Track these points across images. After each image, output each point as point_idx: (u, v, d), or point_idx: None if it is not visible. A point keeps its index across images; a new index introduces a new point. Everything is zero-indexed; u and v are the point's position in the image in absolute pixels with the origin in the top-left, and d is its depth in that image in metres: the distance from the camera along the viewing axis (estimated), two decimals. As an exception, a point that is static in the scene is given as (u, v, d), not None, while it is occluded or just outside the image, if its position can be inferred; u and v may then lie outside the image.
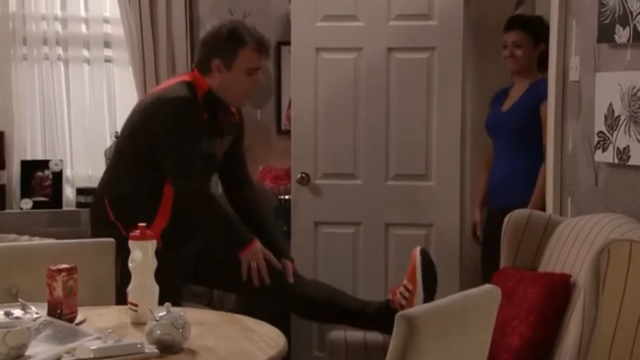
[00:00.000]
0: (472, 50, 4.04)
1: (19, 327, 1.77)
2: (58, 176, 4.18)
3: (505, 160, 3.63)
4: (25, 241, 3.59)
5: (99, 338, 1.84)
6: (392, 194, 4.04)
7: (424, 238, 4.00)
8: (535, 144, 3.53)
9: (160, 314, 1.90)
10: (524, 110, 3.57)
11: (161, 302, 2.33)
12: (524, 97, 3.62)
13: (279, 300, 3.03)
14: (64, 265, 2.07)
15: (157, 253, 2.70)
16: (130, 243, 2.18)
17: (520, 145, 3.57)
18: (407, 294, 2.95)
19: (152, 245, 2.18)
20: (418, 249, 3.04)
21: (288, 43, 4.12)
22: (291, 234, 4.04)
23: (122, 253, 2.79)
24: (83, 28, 4.29)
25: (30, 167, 4.16)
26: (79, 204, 4.13)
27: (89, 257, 2.52)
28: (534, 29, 3.62)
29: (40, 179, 4.16)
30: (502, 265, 2.96)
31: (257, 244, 2.90)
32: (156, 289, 2.20)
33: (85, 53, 4.29)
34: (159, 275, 2.66)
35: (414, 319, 1.69)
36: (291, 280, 3.00)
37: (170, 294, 2.66)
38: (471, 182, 4.02)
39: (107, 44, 4.33)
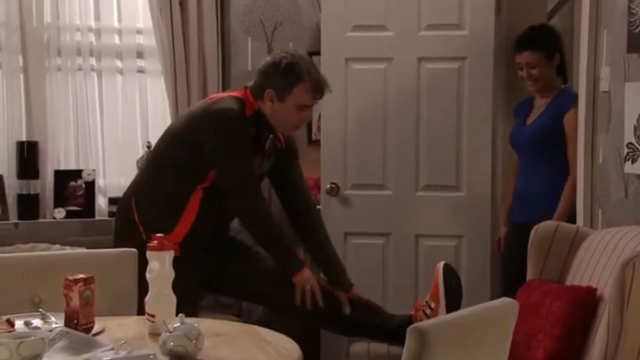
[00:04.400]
0: (503, 60, 4.00)
1: (33, 338, 1.79)
2: (91, 186, 4.23)
3: (530, 174, 3.55)
4: (56, 250, 3.64)
5: (112, 349, 1.84)
6: (422, 205, 4.01)
7: (454, 250, 3.96)
8: (560, 157, 3.44)
9: (174, 325, 1.91)
10: (548, 123, 3.48)
11: (179, 311, 2.36)
12: (548, 109, 3.53)
13: (304, 318, 3.03)
14: (81, 275, 2.09)
15: (176, 260, 2.75)
16: (148, 253, 2.19)
17: (544, 158, 3.49)
18: (429, 311, 2.92)
19: (169, 255, 2.19)
20: (441, 265, 3.00)
21: (319, 53, 4.12)
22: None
23: (143, 256, 2.83)
24: (116, 39, 4.35)
25: (64, 177, 4.21)
26: (111, 214, 4.16)
27: (111, 266, 2.54)
28: (546, 45, 3.51)
29: (73, 188, 4.22)
30: (528, 277, 2.92)
31: (307, 270, 2.91)
32: (173, 299, 2.20)
33: (118, 64, 4.34)
34: (175, 284, 2.70)
35: (425, 333, 1.67)
36: (347, 311, 2.95)
37: (186, 303, 2.67)
38: (502, 193, 3.97)
39: (139, 55, 4.38)
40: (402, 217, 4.03)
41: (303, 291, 2.87)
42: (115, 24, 4.36)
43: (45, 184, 4.20)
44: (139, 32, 4.38)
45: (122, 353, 1.79)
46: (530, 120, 3.61)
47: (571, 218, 3.34)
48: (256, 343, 2.08)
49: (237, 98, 2.88)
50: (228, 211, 2.96)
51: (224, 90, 4.33)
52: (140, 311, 2.48)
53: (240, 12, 4.38)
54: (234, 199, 2.82)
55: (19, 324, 2.13)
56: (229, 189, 2.82)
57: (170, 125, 3.01)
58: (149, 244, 2.20)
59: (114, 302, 2.46)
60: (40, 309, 2.20)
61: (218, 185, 2.85)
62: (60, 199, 4.20)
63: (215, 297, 3.76)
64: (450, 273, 2.97)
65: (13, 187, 4.15)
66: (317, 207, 3.39)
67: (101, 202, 4.30)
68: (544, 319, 2.68)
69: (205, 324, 2.20)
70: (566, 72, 3.62)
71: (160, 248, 2.17)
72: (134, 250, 2.52)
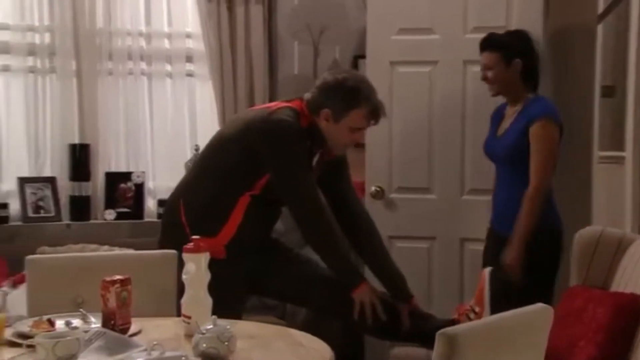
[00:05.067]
0: (552, 62, 3.94)
1: (68, 338, 1.83)
2: (140, 188, 4.31)
3: (504, 187, 3.40)
4: (104, 251, 3.72)
5: (145, 350, 1.88)
6: (468, 209, 3.98)
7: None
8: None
9: (207, 327, 1.94)
10: (518, 139, 3.28)
11: (223, 312, 2.38)
12: (517, 121, 3.35)
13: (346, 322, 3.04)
14: (118, 277, 2.14)
15: (221, 262, 2.78)
16: (184, 256, 2.23)
17: (521, 170, 3.28)
18: (472, 316, 2.90)
19: (205, 258, 2.22)
20: (487, 270, 2.98)
21: (364, 56, 4.12)
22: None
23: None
24: (166, 43, 4.43)
25: (114, 179, 4.30)
26: (159, 215, 4.22)
27: (152, 267, 2.58)
28: (504, 48, 3.37)
29: (123, 190, 4.30)
30: (571, 283, 2.88)
31: (368, 285, 2.92)
32: (209, 301, 2.23)
33: (168, 67, 4.42)
34: (219, 285, 2.73)
35: (454, 338, 1.67)
36: (406, 325, 2.96)
37: (230, 304, 2.72)
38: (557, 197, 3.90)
39: (188, 59, 4.45)
40: (447, 221, 4.00)
41: (362, 306, 2.87)
42: (165, 28, 4.43)
43: (97, 186, 4.30)
44: (188, 36, 4.45)
45: (155, 354, 1.82)
46: (501, 130, 3.46)
47: (549, 237, 3.23)
48: (290, 346, 2.10)
49: (293, 109, 2.89)
50: (274, 215, 2.99)
51: (270, 94, 4.39)
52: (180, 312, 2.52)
53: (287, 16, 4.41)
54: (295, 210, 2.84)
55: (59, 323, 2.18)
56: (290, 201, 2.84)
57: (223, 130, 3.04)
58: (184, 247, 2.24)
59: (155, 303, 2.50)
60: (81, 309, 2.25)
61: (267, 193, 2.87)
62: (110, 201, 4.29)
63: (259, 299, 3.79)
64: (497, 278, 2.94)
65: (65, 188, 4.26)
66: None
67: (150, 204, 4.37)
68: (586, 325, 2.64)
69: (241, 326, 2.22)
70: (537, 80, 3.45)
71: (196, 250, 2.20)
72: (174, 251, 2.56)
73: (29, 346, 1.93)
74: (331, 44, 4.41)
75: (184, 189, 2.98)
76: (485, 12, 3.93)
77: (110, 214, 4.26)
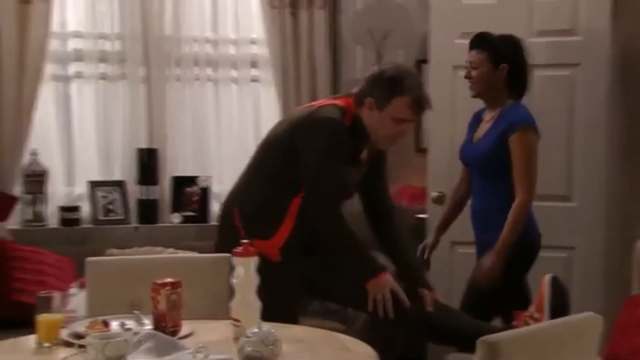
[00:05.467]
0: (620, 67, 3.84)
1: (117, 339, 1.88)
2: (206, 192, 4.38)
3: (485, 193, 3.30)
4: (168, 254, 3.80)
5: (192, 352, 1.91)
6: (535, 215, 3.90)
7: (564, 261, 3.83)
8: (508, 181, 3.18)
9: (253, 330, 1.96)
10: (495, 146, 3.20)
11: (279, 315, 2.41)
12: (494, 127, 3.26)
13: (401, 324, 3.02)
14: (169, 280, 2.18)
15: (275, 265, 2.81)
16: (234, 259, 2.26)
17: (497, 178, 3.21)
18: (531, 322, 2.85)
19: (254, 262, 2.24)
20: (548, 277, 2.93)
21: (428, 61, 4.10)
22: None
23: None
24: (232, 49, 4.49)
25: (181, 183, 4.39)
26: (223, 219, 4.29)
27: (206, 271, 2.63)
28: (493, 49, 3.28)
29: (189, 194, 4.39)
30: (633, 292, 2.80)
31: (387, 277, 2.87)
32: (258, 304, 2.26)
33: (234, 73, 4.49)
34: (275, 288, 2.75)
35: (495, 345, 1.65)
36: (429, 309, 2.94)
37: (286, 307, 2.74)
38: (617, 204, 3.82)
39: (253, 64, 4.52)
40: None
41: (375, 299, 2.85)
42: (232, 34, 4.50)
43: (164, 190, 4.39)
44: (253, 42, 4.52)
45: (199, 356, 1.85)
46: (477, 136, 3.37)
47: (525, 249, 3.20)
48: (336, 351, 2.10)
49: (338, 106, 2.89)
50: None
51: (334, 98, 4.40)
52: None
53: (350, 21, 4.43)
54: (315, 202, 2.83)
55: (114, 325, 2.24)
56: (313, 194, 2.83)
57: (270, 132, 3.06)
58: (234, 250, 2.27)
59: (209, 306, 2.54)
60: (136, 311, 2.31)
61: None
62: (177, 204, 4.38)
63: (322, 303, 3.80)
64: (557, 286, 2.89)
65: (134, 192, 4.37)
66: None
67: (215, 208, 4.42)
68: (648, 336, 2.57)
69: (290, 330, 2.24)
70: (523, 89, 3.36)
71: (245, 254, 2.23)
72: (227, 255, 2.59)
73: (81, 346, 1.99)
74: (394, 49, 4.40)
75: (237, 193, 3.02)
76: (551, 15, 3.86)
77: (176, 218, 4.35)
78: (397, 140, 2.96)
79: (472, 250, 3.98)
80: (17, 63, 4.08)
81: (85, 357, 1.91)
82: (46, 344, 2.13)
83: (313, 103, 3.09)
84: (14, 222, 4.24)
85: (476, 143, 3.33)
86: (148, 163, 4.35)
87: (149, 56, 4.37)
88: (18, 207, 4.23)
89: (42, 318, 2.14)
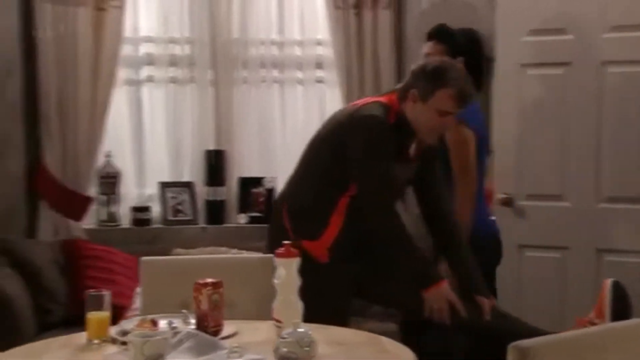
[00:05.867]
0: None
1: (157, 338, 1.92)
2: (271, 193, 4.42)
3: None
4: (233, 254, 3.85)
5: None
6: (605, 218, 3.78)
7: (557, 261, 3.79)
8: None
9: (289, 331, 1.96)
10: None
11: (326, 316, 2.42)
12: None
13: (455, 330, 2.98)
14: (210, 280, 2.21)
15: (324, 266, 2.80)
16: (275, 260, 2.27)
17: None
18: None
19: (295, 263, 2.25)
20: (609, 282, 2.83)
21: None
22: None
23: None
24: (297, 51, 4.52)
25: (247, 184, 4.44)
26: (289, 220, 4.31)
27: (255, 271, 2.65)
28: (451, 42, 3.27)
29: (255, 195, 4.43)
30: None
31: (444, 286, 2.84)
32: (299, 305, 2.26)
33: (299, 75, 4.51)
34: (323, 289, 2.75)
35: (527, 350, 1.61)
36: (487, 318, 2.90)
37: (335, 308, 2.74)
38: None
39: (319, 66, 4.53)
40: (582, 230, 3.82)
41: (432, 307, 2.83)
42: (297, 36, 4.52)
43: (231, 191, 4.45)
44: (319, 43, 4.53)
45: (234, 356, 1.87)
46: None
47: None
48: (375, 353, 2.09)
49: (381, 104, 2.88)
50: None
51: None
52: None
53: (416, 20, 4.38)
54: (367, 202, 2.81)
55: (162, 323, 2.28)
56: (364, 193, 2.82)
57: (317, 131, 3.06)
58: (276, 251, 2.28)
59: (257, 306, 2.55)
60: (184, 311, 2.34)
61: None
62: (244, 205, 4.43)
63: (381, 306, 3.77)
64: (619, 290, 2.79)
65: (202, 193, 4.44)
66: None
67: (282, 209, 4.46)
68: None
69: (331, 332, 2.23)
70: (479, 84, 3.36)
71: (286, 255, 2.24)
72: (271, 256, 2.61)
73: (124, 344, 2.04)
74: (462, 48, 4.33)
75: (286, 193, 3.03)
76: (626, 9, 3.72)
77: (243, 218, 4.40)
78: (441, 133, 2.93)
79: (541, 253, 3.91)
80: (92, 68, 4.20)
81: (127, 354, 1.95)
82: (95, 341, 2.19)
83: (357, 101, 3.09)
84: (89, 222, 4.38)
85: None
86: (215, 164, 4.42)
87: (217, 59, 4.44)
88: (93, 208, 4.37)
89: (92, 316, 2.19)
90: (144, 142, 4.50)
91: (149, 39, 4.47)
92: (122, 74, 4.41)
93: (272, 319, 2.25)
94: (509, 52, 3.91)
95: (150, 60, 4.47)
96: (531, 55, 3.90)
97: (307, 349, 1.92)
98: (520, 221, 3.93)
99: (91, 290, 2.28)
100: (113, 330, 2.23)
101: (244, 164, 4.47)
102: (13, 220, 4.22)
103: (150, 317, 2.30)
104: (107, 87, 4.24)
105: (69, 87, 4.17)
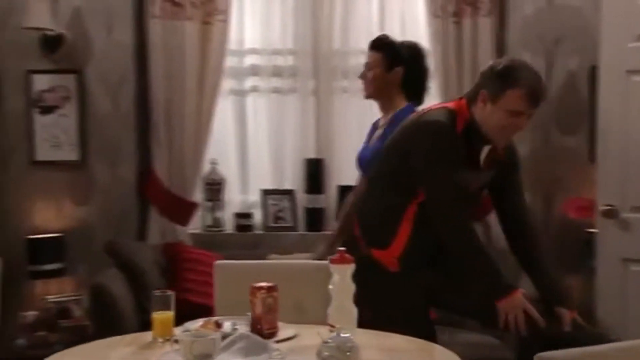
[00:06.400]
0: None
1: (205, 338, 1.99)
2: (370, 201, 4.43)
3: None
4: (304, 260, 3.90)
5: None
6: None
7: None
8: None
9: (332, 336, 1.99)
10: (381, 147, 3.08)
11: (401, 325, 2.44)
12: (386, 131, 3.21)
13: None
14: (264, 284, 2.26)
15: (395, 275, 2.80)
16: (330, 267, 2.30)
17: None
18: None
19: (349, 269, 2.27)
20: None
21: (603, 67, 3.89)
22: (596, 270, 3.79)
23: (362, 270, 2.91)
24: (398, 60, 4.52)
25: (346, 192, 4.46)
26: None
27: (326, 276, 2.67)
28: (389, 51, 3.23)
29: (354, 202, 4.46)
30: None
31: (518, 295, 2.76)
32: (354, 311, 2.28)
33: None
34: (395, 298, 2.74)
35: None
36: (567, 329, 2.81)
37: (411, 317, 2.73)
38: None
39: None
40: (692, 245, 3.63)
41: (507, 318, 2.75)
42: (398, 45, 4.53)
43: (330, 199, 4.51)
44: (421, 52, 4.50)
45: (276, 358, 1.91)
46: (373, 140, 3.33)
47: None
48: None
49: (448, 109, 2.83)
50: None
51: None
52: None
53: (518, 28, 4.30)
54: (435, 210, 2.76)
55: (227, 325, 2.35)
56: (431, 200, 2.77)
57: (389, 138, 3.05)
58: (331, 258, 2.31)
59: (322, 311, 2.57)
60: (249, 314, 2.41)
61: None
62: (342, 213, 4.47)
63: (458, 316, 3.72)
64: None
65: (302, 200, 4.53)
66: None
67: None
68: None
69: (386, 339, 2.23)
70: (421, 95, 3.31)
71: (340, 262, 2.27)
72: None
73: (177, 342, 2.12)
74: (567, 55, 4.22)
75: (359, 200, 3.04)
76: None
77: (340, 226, 4.43)
78: (513, 135, 2.83)
79: None
80: (198, 79, 4.38)
81: (179, 353, 2.03)
82: (160, 340, 2.29)
83: (425, 107, 3.07)
84: (195, 226, 4.56)
85: (370, 146, 3.33)
86: (315, 172, 4.49)
87: (319, 70, 4.53)
88: (199, 213, 4.54)
89: (157, 315, 2.30)
90: (247, 150, 4.64)
91: (253, 51, 4.61)
92: (228, 84, 4.57)
93: (327, 324, 2.27)
94: (614, 58, 3.76)
95: (254, 71, 4.61)
96: (637, 62, 3.73)
97: (348, 354, 1.94)
98: (624, 234, 3.76)
99: (157, 291, 2.38)
100: (178, 330, 2.32)
101: (343, 172, 4.51)
102: (125, 223, 4.47)
103: (215, 318, 2.38)
104: (212, 97, 4.40)
105: (177, 97, 4.37)
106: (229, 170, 4.60)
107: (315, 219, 4.50)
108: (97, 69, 4.42)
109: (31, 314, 4.23)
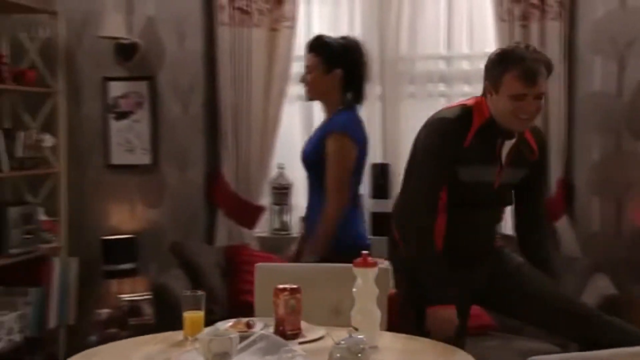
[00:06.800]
0: None
1: (223, 337, 2.03)
2: (435, 206, 4.40)
3: (310, 193, 3.34)
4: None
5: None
6: None
7: None
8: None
9: (344, 338, 2.00)
10: (315, 146, 3.24)
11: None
12: (319, 130, 3.31)
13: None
14: (288, 286, 2.29)
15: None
16: (353, 270, 2.30)
17: (314, 180, 3.27)
18: None
19: (372, 272, 2.27)
20: None
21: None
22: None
23: (401, 274, 2.91)
24: (465, 65, 4.48)
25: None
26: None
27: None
28: (327, 53, 3.19)
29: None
30: None
31: (443, 312, 2.70)
32: (377, 314, 2.28)
33: (466, 88, 4.46)
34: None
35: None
36: None
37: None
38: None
39: (486, 79, 4.45)
40: None
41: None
42: (466, 50, 4.49)
43: (395, 204, 4.49)
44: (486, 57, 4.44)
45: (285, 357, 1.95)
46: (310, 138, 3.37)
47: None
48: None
49: (463, 106, 2.82)
50: (486, 221, 2.90)
51: (569, 113, 4.20)
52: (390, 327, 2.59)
53: (588, 30, 4.17)
54: (407, 199, 2.84)
55: (258, 326, 2.39)
56: (407, 189, 2.85)
57: None
58: (354, 261, 2.32)
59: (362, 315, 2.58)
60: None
61: (459, 197, 2.81)
62: (407, 218, 4.45)
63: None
64: None
65: (368, 205, 4.52)
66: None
67: (444, 222, 4.43)
68: None
69: (410, 342, 2.22)
70: (360, 94, 3.29)
71: (363, 265, 2.28)
72: (383, 267, 2.63)
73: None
74: (639, 57, 4.07)
75: (394, 206, 3.03)
76: None
77: (404, 231, 4.42)
78: (529, 120, 2.75)
79: None
80: (264, 85, 4.46)
81: (199, 352, 2.09)
82: (190, 338, 2.35)
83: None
84: (264, 230, 4.64)
85: (305, 143, 3.35)
86: (381, 177, 4.49)
87: (385, 75, 4.52)
88: (267, 217, 4.62)
89: (187, 315, 2.36)
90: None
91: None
92: (296, 90, 4.63)
93: (349, 326, 2.29)
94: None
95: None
96: None
97: (359, 355, 1.95)
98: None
99: (187, 291, 2.45)
100: (207, 330, 2.37)
101: (407, 177, 4.49)
102: (194, 225, 4.59)
103: (246, 319, 2.43)
104: (278, 103, 4.47)
105: (244, 103, 4.46)
106: (296, 175, 4.65)
107: (381, 223, 4.48)
108: (169, 75, 4.57)
109: (105, 312, 4.40)
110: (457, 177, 2.77)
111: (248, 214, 4.53)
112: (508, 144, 2.79)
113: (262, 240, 4.57)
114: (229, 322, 2.43)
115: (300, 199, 4.66)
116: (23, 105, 4.52)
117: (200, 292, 2.40)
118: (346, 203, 3.20)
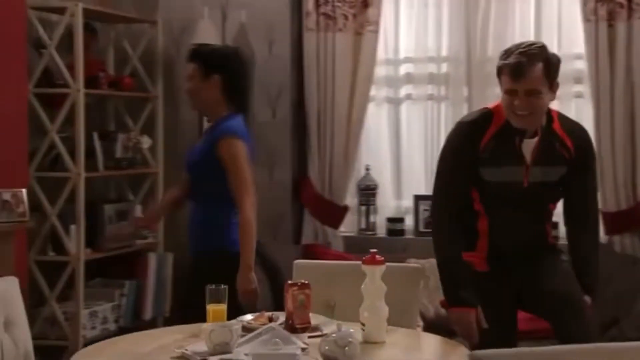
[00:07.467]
0: None
1: (223, 328, 2.14)
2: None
3: (195, 202, 3.29)
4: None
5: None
6: None
7: None
8: (219, 191, 3.14)
9: (335, 331, 2.06)
10: (203, 155, 3.21)
11: (494, 325, 2.56)
12: (205, 139, 3.31)
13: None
14: (299, 281, 2.37)
15: (486, 275, 2.82)
16: (362, 267, 2.35)
17: (201, 189, 3.23)
18: None
19: (379, 270, 2.31)
20: None
21: None
22: None
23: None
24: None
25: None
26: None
27: (400, 279, 2.71)
28: (203, 60, 3.20)
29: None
30: None
31: (460, 314, 2.71)
32: (385, 310, 2.32)
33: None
34: (486, 299, 2.76)
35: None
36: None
37: (499, 318, 2.76)
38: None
39: (577, 80, 4.35)
40: None
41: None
42: (555, 50, 4.35)
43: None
44: (578, 57, 4.33)
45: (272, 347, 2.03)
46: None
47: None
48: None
49: (485, 109, 2.88)
50: (529, 219, 2.85)
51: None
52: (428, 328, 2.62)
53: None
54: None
55: (281, 319, 2.48)
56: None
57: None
58: (363, 259, 2.36)
59: (397, 313, 2.60)
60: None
61: (492, 197, 2.80)
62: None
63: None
64: None
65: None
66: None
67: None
68: None
69: (417, 339, 2.27)
70: (244, 100, 3.28)
71: (371, 262, 2.32)
72: (417, 266, 2.66)
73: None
74: None
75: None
76: None
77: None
78: (526, 117, 2.72)
79: None
80: (349, 87, 4.56)
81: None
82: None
83: None
84: (351, 230, 4.73)
85: (192, 150, 3.29)
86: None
87: (472, 77, 4.51)
88: (354, 217, 4.71)
89: (211, 307, 2.48)
90: (401, 156, 4.73)
91: (408, 60, 4.70)
92: (383, 92, 4.69)
93: (358, 321, 2.34)
94: None
95: (409, 79, 4.70)
96: None
97: (346, 348, 2.00)
98: None
99: (212, 285, 2.55)
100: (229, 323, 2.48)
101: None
102: (282, 225, 4.73)
103: (269, 313, 2.52)
104: (362, 106, 4.55)
105: (329, 106, 4.57)
106: (383, 176, 4.72)
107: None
108: (259, 79, 4.72)
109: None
110: (483, 177, 2.79)
111: (333, 213, 4.63)
112: (530, 143, 2.75)
113: (347, 239, 4.66)
114: (252, 315, 2.54)
115: (387, 199, 4.72)
116: (125, 110, 4.81)
117: (223, 286, 2.50)
118: (255, 202, 3.24)
